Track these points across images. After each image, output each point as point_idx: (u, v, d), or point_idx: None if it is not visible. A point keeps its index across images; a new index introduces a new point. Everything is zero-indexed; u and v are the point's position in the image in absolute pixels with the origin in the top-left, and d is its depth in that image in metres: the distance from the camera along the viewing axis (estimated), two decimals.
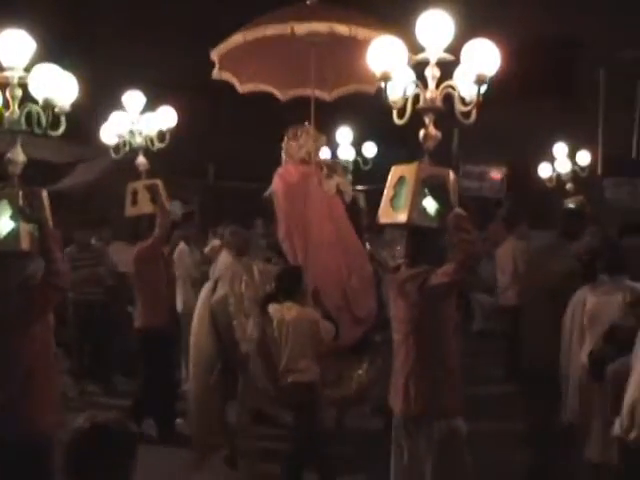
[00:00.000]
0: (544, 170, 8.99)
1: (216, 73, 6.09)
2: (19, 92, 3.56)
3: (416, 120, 3.74)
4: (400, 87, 3.73)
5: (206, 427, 5.37)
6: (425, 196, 3.63)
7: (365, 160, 8.11)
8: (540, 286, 5.40)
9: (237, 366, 5.33)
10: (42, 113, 3.53)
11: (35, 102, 3.57)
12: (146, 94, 6.25)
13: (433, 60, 3.70)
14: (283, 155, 5.96)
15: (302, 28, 5.40)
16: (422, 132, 3.72)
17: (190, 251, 7.97)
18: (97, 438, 2.21)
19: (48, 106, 3.51)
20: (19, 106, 3.57)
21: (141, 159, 6.19)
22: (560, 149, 8.67)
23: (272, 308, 5.13)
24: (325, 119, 6.13)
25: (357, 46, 5.03)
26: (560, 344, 4.87)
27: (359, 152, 8.10)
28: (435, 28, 3.67)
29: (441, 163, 3.79)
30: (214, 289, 5.46)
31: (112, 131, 6.24)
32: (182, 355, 6.90)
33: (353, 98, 6.90)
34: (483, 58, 3.59)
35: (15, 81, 3.54)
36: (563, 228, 5.75)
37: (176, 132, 6.23)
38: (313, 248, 5.59)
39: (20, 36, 3.56)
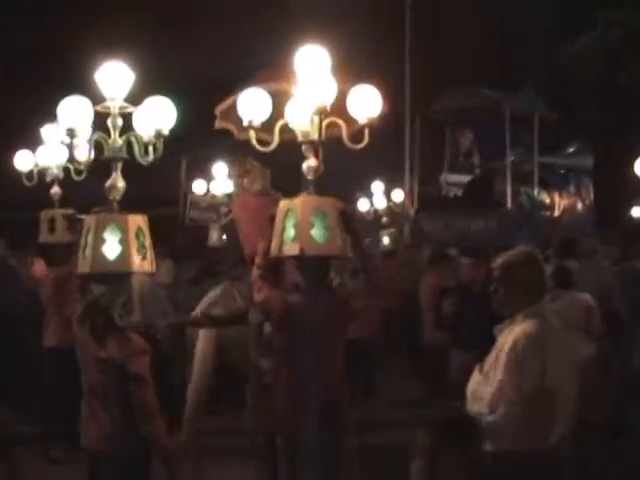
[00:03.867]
0: (363, 204, 10.81)
1: (218, 123, 6.38)
2: (120, 121, 3.85)
3: None
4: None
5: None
6: (313, 226, 3.80)
7: None
8: None
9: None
10: (145, 141, 3.81)
11: (132, 130, 3.84)
12: None
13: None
14: (237, 189, 6.52)
15: None
16: (305, 165, 3.91)
17: None
18: None
19: (159, 136, 3.82)
20: (120, 135, 3.83)
21: (56, 188, 6.47)
22: (377, 187, 10.69)
23: None
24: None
25: None
26: None
27: None
28: None
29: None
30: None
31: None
32: None
33: None
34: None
35: (116, 111, 3.82)
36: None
37: None
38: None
39: (120, 68, 3.83)
